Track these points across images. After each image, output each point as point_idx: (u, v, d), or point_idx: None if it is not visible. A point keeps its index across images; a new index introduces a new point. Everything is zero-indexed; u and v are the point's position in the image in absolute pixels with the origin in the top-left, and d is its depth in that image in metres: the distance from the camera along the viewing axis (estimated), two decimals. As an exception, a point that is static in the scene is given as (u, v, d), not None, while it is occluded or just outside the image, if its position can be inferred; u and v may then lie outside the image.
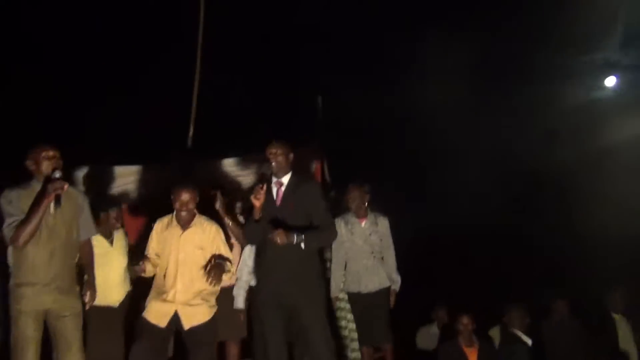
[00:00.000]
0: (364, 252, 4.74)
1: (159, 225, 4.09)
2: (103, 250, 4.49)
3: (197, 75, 6.18)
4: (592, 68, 7.01)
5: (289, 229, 3.77)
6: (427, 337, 6.37)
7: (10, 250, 3.70)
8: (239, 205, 4.82)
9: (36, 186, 3.69)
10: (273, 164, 3.94)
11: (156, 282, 4.05)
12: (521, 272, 7.08)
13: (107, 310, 4.48)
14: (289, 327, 4.01)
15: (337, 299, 4.92)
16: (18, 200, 3.62)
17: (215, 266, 3.89)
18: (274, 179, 3.99)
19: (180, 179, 4.91)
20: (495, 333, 5.95)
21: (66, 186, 3.63)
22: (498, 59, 7.24)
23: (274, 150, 3.98)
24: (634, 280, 6.18)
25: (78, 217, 3.83)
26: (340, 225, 4.70)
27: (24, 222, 3.57)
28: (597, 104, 7.13)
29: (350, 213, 4.84)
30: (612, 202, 6.82)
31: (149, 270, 4.02)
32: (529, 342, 4.61)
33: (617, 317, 5.95)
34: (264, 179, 3.90)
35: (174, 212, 4.07)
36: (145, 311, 3.96)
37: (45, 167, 3.68)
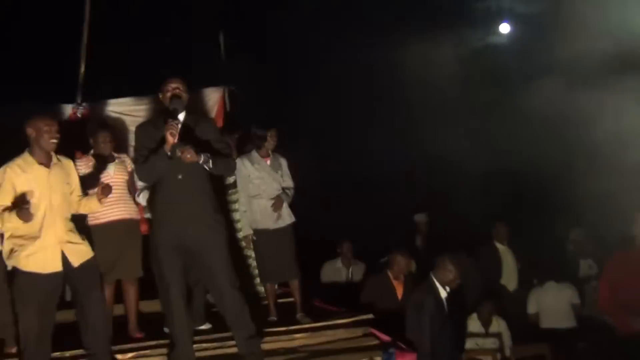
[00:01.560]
0: (272, 189, 4.78)
1: None
2: None
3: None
4: (487, 14, 7.25)
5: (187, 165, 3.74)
6: (332, 271, 6.61)
7: None
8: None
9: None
10: (179, 99, 3.86)
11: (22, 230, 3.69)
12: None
13: None
14: (189, 270, 4.01)
15: (247, 237, 4.85)
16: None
17: None
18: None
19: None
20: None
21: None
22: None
23: (177, 86, 3.91)
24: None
25: None
26: (245, 163, 4.72)
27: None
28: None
29: (253, 152, 4.83)
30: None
31: None
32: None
33: (501, 247, 6.44)
34: (175, 114, 3.80)
35: None
36: (21, 264, 3.64)
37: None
